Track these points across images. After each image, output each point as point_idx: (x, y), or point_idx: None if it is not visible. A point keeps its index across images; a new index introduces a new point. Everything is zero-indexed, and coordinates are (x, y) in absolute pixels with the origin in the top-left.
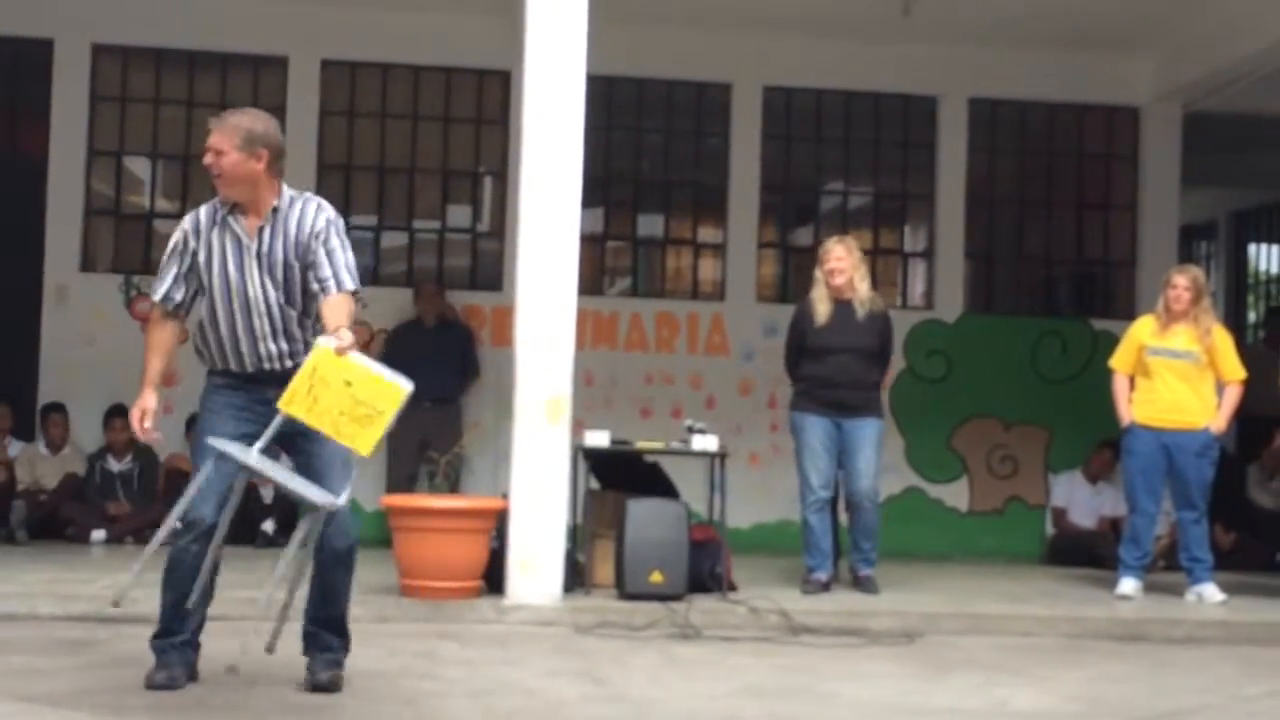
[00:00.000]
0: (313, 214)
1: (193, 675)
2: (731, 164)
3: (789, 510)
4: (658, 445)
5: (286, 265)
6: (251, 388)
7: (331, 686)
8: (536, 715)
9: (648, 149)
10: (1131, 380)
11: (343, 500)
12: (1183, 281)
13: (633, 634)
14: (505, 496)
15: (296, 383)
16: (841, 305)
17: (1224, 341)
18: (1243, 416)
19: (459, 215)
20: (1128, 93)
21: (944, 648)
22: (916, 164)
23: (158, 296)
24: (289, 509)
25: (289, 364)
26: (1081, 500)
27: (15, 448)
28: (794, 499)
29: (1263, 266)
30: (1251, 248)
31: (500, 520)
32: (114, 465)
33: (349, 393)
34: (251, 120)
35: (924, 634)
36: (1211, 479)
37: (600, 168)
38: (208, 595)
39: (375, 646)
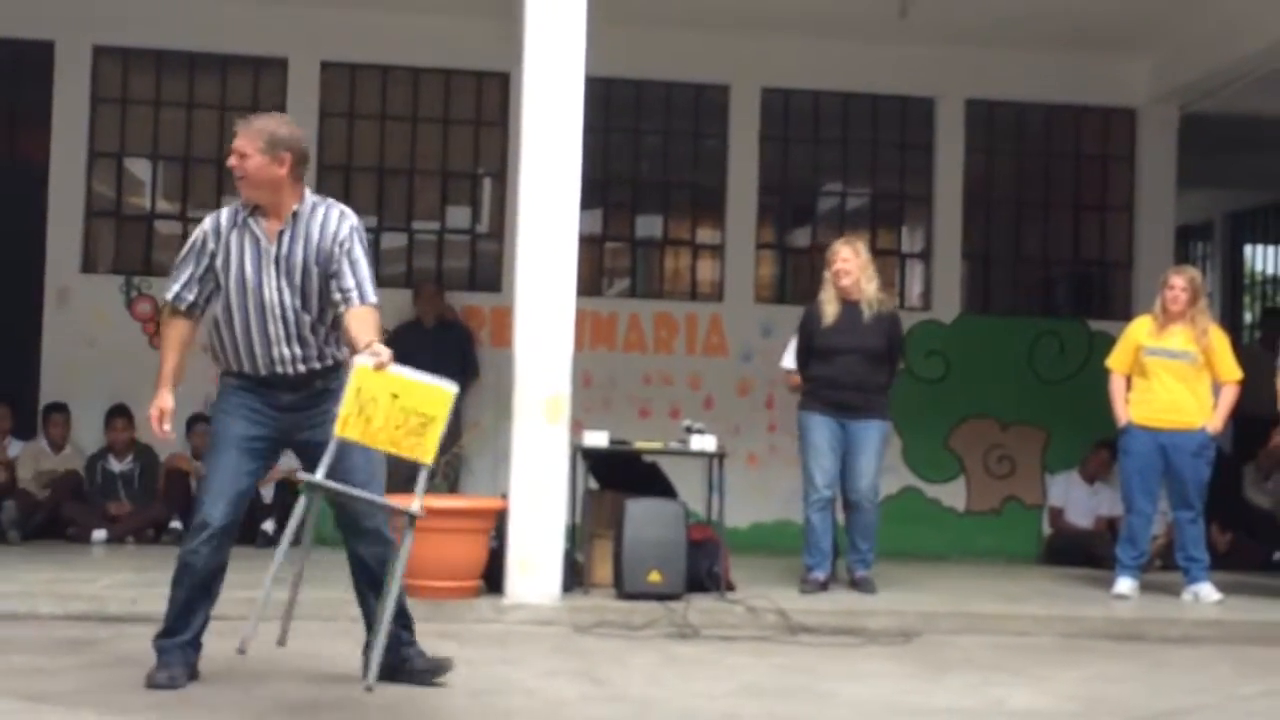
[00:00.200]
0: (336, 220)
1: (193, 675)
2: (729, 165)
3: (787, 510)
4: (656, 445)
5: (305, 270)
6: (264, 391)
7: (443, 668)
8: (535, 715)
9: (646, 150)
10: (1128, 380)
11: (416, 507)
12: (1180, 282)
13: (631, 633)
14: (504, 496)
15: (345, 408)
16: (849, 306)
17: (1221, 342)
18: (1239, 417)
19: (458, 216)
20: (1125, 94)
21: (941, 647)
22: (914, 165)
23: (170, 296)
24: (289, 509)
25: (301, 368)
26: (1078, 500)
27: (15, 448)
28: (792, 499)
29: (1259, 267)
30: (1248, 248)
31: (499, 520)
32: (115, 465)
33: (398, 405)
34: (276, 124)
35: (921, 633)
36: (1208, 479)
37: (599, 169)
38: (212, 596)
39: None
